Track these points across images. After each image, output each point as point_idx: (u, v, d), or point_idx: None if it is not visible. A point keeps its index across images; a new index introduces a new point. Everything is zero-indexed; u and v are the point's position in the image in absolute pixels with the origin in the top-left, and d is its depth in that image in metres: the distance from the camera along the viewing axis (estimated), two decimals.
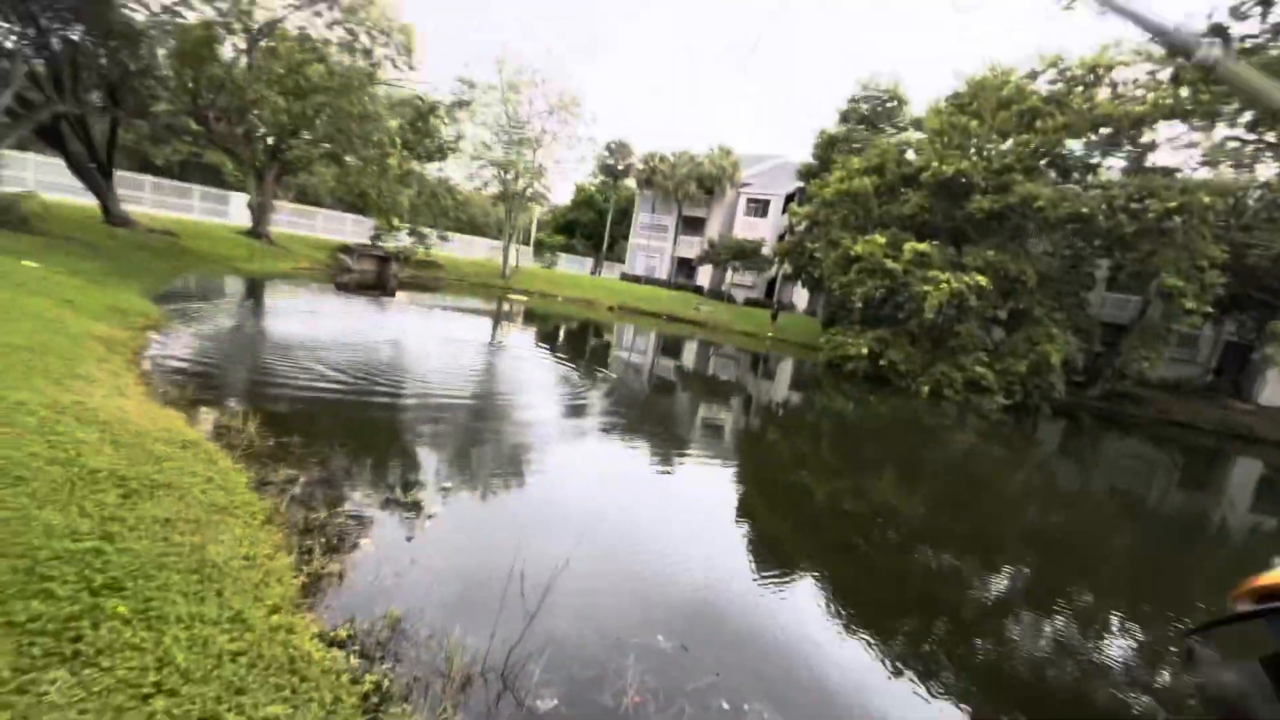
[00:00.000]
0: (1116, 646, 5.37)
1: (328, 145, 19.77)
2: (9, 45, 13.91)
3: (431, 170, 25.33)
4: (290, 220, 30.76)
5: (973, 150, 21.07)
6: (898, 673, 4.19)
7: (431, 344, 13.90)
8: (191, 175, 33.76)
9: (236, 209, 27.36)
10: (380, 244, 25.47)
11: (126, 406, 5.55)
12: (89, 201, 19.13)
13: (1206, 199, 16.92)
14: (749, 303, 38.54)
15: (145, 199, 24.62)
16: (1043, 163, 20.90)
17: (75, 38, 14.66)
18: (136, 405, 5.75)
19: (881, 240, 19.96)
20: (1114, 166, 21.68)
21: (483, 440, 7.64)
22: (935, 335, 20.38)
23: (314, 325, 13.30)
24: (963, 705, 3.96)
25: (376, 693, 2.91)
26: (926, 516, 8.21)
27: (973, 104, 21.37)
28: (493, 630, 3.47)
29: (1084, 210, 17.93)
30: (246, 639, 2.85)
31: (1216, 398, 24.55)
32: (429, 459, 6.65)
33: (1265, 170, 19.46)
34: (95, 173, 18.02)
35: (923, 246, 19.11)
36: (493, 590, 3.90)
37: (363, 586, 3.89)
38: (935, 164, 20.44)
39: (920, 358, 19.67)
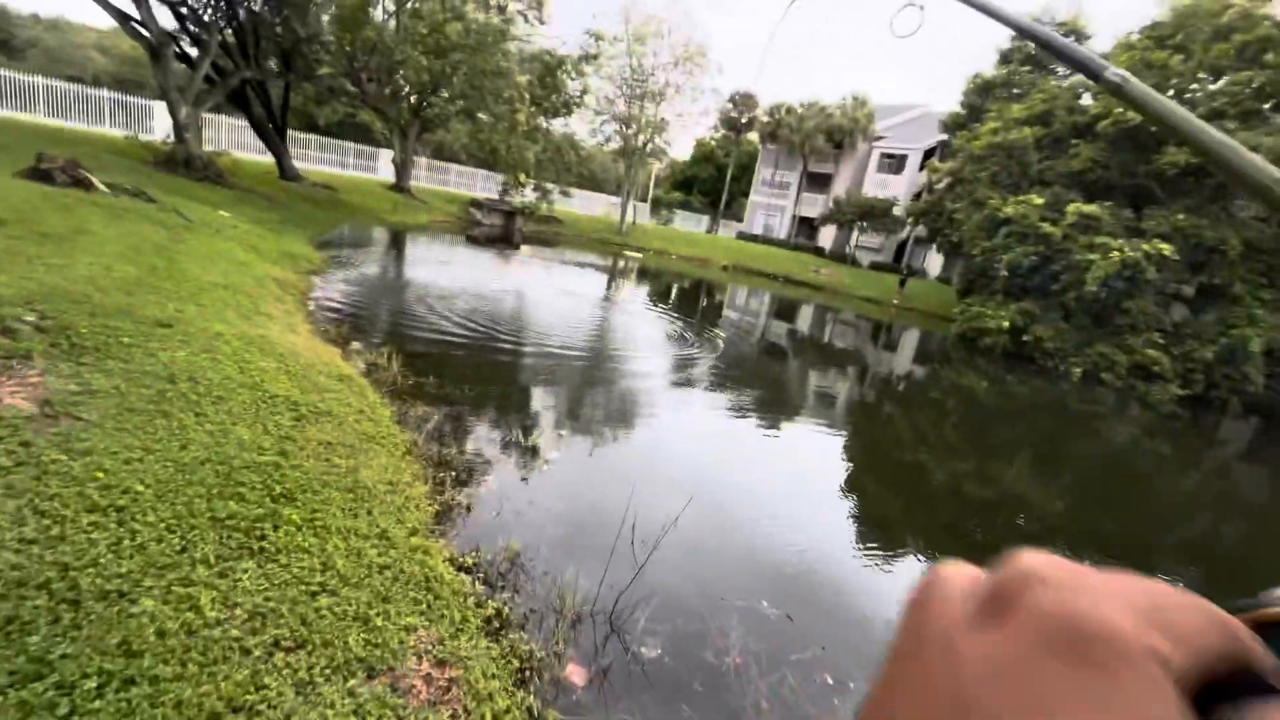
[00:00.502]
0: None
1: (463, 102, 20.75)
2: (206, 18, 15.85)
3: (557, 125, 25.87)
4: (428, 175, 33.03)
5: (1172, 92, 17.73)
6: None
7: (551, 297, 14.48)
8: (346, 134, 37.17)
9: (383, 164, 29.79)
10: (507, 199, 26.67)
11: (297, 342, 6.33)
12: (266, 159, 21.73)
13: None
14: (875, 266, 36.04)
15: (310, 156, 27.49)
16: (1267, 106, 17.15)
17: (256, 8, 16.39)
18: (304, 341, 6.54)
19: (1039, 201, 17.60)
20: None
21: (597, 393, 7.90)
22: (1096, 311, 17.88)
23: (448, 274, 14.32)
24: None
25: (498, 618, 3.17)
26: (1061, 511, 7.39)
27: (1177, 36, 17.86)
28: (602, 575, 3.62)
29: None
30: (391, 555, 3.20)
31: None
32: (547, 407, 7.00)
33: None
34: (273, 132, 20.35)
35: (1091, 208, 16.62)
36: (603, 538, 4.06)
37: (487, 520, 4.21)
38: (1118, 109, 17.46)
39: (1075, 336, 17.41)
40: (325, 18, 18.23)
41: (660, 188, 52.44)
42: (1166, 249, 15.42)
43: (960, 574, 0.28)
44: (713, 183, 51.09)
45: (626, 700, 2.95)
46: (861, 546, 5.30)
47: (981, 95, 28.02)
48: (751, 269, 32.25)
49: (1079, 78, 22.50)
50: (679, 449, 6.52)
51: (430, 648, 2.65)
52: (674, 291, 21.60)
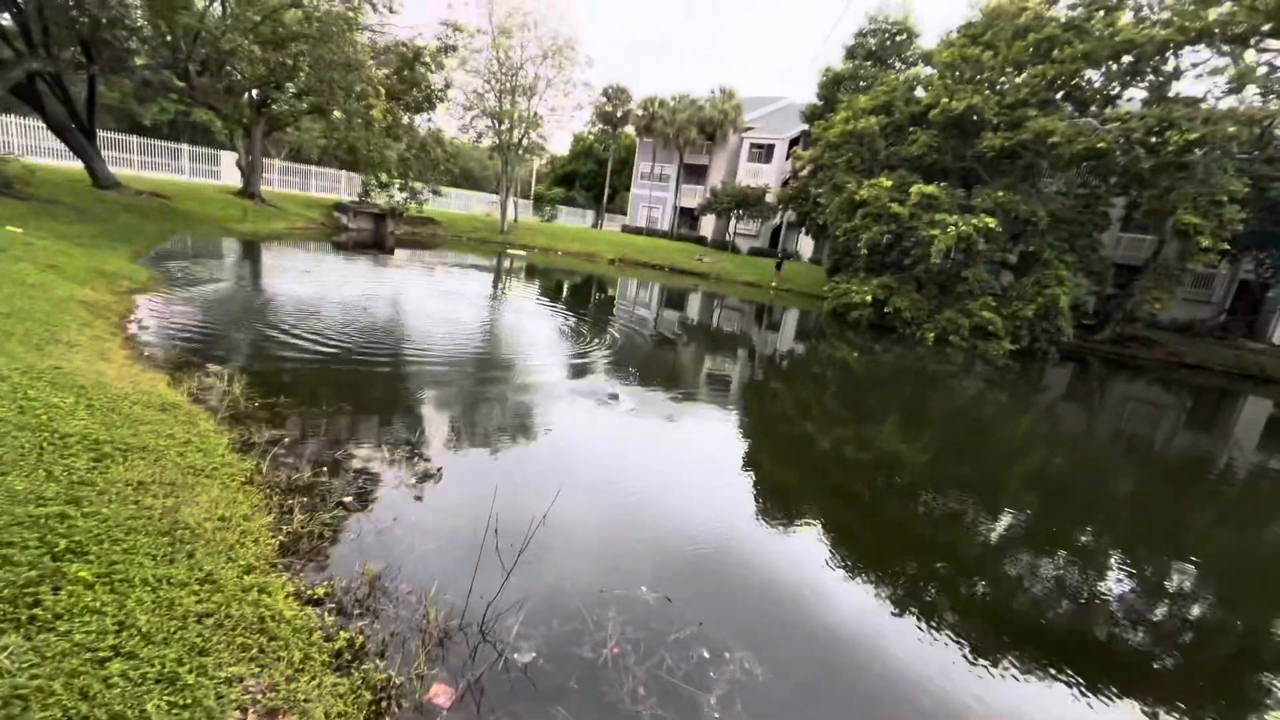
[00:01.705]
0: (1109, 583, 5.35)
1: (311, 98, 19.08)
2: None
3: (421, 121, 24.55)
4: (283, 179, 30.19)
5: (985, 84, 20.09)
6: (889, 617, 4.19)
7: (429, 302, 13.73)
8: (182, 135, 33.02)
9: (228, 169, 26.78)
10: (371, 200, 25.00)
11: (106, 371, 5.48)
12: (75, 165, 18.75)
13: (1231, 128, 16.12)
14: (753, 252, 37.87)
15: (133, 160, 24.11)
16: (1059, 96, 19.91)
17: None
18: (117, 370, 5.68)
19: (887, 183, 19.29)
20: (1134, 98, 20.60)
21: (477, 399, 7.57)
22: (942, 281, 19.97)
23: (308, 285, 13.14)
24: (953, 645, 3.94)
25: (350, 649, 2.90)
26: (927, 462, 8.15)
27: (987, 34, 20.23)
28: (470, 586, 3.44)
29: (1100, 145, 17.12)
30: (215, 600, 2.82)
31: (1229, 338, 24.12)
32: (420, 418, 6.60)
33: None
34: (77, 134, 17.55)
35: (930, 188, 18.46)
36: (475, 546, 3.87)
37: (343, 545, 3.87)
38: (945, 100, 19.53)
39: (926, 304, 19.31)
40: (135, 1, 15.96)
41: (542, 184, 51.69)
42: (992, 222, 17.48)
43: None
44: (594, 177, 51.12)
45: (499, 711, 2.82)
46: (749, 521, 5.47)
47: (833, 87, 30.20)
48: (639, 261, 32.65)
49: (914, 70, 24.86)
50: (566, 447, 6.39)
51: (260, 697, 2.36)
52: (562, 288, 21.35)
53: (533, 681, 3.03)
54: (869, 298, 19.62)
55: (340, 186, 31.83)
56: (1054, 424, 12.32)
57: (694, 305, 22.23)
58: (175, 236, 16.14)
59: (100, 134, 20.16)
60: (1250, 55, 18.01)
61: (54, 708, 1.98)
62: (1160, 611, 5.07)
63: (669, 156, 41.36)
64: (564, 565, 4.08)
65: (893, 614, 4.25)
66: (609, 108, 42.21)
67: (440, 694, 2.83)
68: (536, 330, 12.72)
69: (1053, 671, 3.86)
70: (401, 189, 23.32)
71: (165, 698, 2.17)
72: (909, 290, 19.76)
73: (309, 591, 3.26)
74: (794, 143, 37.59)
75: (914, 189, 18.58)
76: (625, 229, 43.22)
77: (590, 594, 3.77)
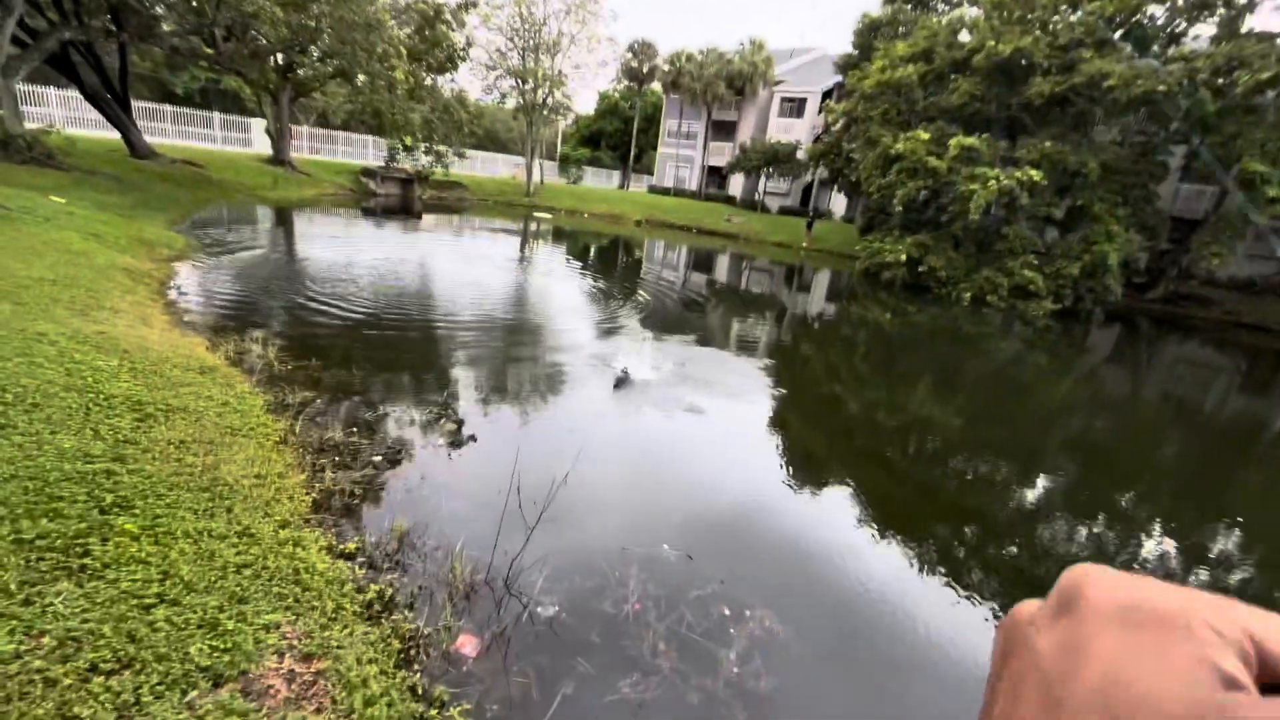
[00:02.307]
0: (1146, 547, 5.21)
1: (335, 61, 18.97)
2: None
3: (444, 83, 24.26)
4: (311, 145, 30.39)
5: (1036, 24, 18.75)
6: (915, 580, 4.16)
7: (457, 266, 13.81)
8: (213, 103, 33.35)
9: (259, 136, 27.05)
10: (397, 164, 25.01)
11: (149, 335, 5.68)
12: (113, 135, 19.15)
13: None
14: (784, 211, 36.87)
15: (168, 129, 24.52)
16: (1117, 35, 18.47)
17: None
18: (159, 334, 5.88)
19: (925, 136, 18.38)
20: (1201, 35, 19.00)
21: (504, 362, 7.64)
22: (980, 239, 19.15)
23: (339, 251, 13.32)
24: (979, 609, 3.91)
25: (380, 601, 3.01)
26: (960, 426, 7.98)
27: None
28: (495, 542, 3.52)
29: (1161, 88, 15.92)
30: (253, 552, 2.95)
31: None
32: (447, 381, 6.70)
33: None
34: (112, 103, 17.89)
35: (971, 140, 17.53)
36: (499, 505, 3.95)
37: (373, 502, 3.99)
38: (991, 43, 18.33)
39: (963, 263, 18.61)
40: None
41: (567, 144, 50.93)
42: (1037, 175, 16.57)
43: (1030, 602, 0.35)
44: (620, 136, 50.10)
45: (523, 662, 2.91)
46: (777, 482, 5.46)
47: (870, 34, 28.64)
48: (666, 222, 32.17)
49: (958, 12, 23.38)
50: (592, 410, 6.43)
51: (295, 643, 2.48)
52: (589, 251, 21.22)
53: (556, 634, 3.12)
54: (903, 257, 18.99)
55: (368, 152, 31.90)
56: (1094, 388, 11.88)
57: (722, 267, 21.88)
58: (210, 205, 16.48)
59: (135, 103, 20.47)
60: None
61: (104, 649, 2.11)
62: (1200, 577, 4.93)
63: (696, 113, 40.14)
64: (586, 524, 4.14)
65: (919, 577, 4.22)
66: (634, 63, 41.01)
67: (467, 644, 2.93)
68: (563, 294, 12.71)
69: None
70: (427, 152, 23.24)
71: (207, 641, 2.29)
72: (945, 249, 19.03)
73: (341, 546, 3.39)
74: (827, 95, 36.00)
75: (953, 141, 17.68)
76: (652, 189, 42.48)
77: (612, 551, 3.83)
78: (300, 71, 22.72)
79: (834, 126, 27.31)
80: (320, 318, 8.10)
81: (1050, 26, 18.77)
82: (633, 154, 46.52)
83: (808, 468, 6.02)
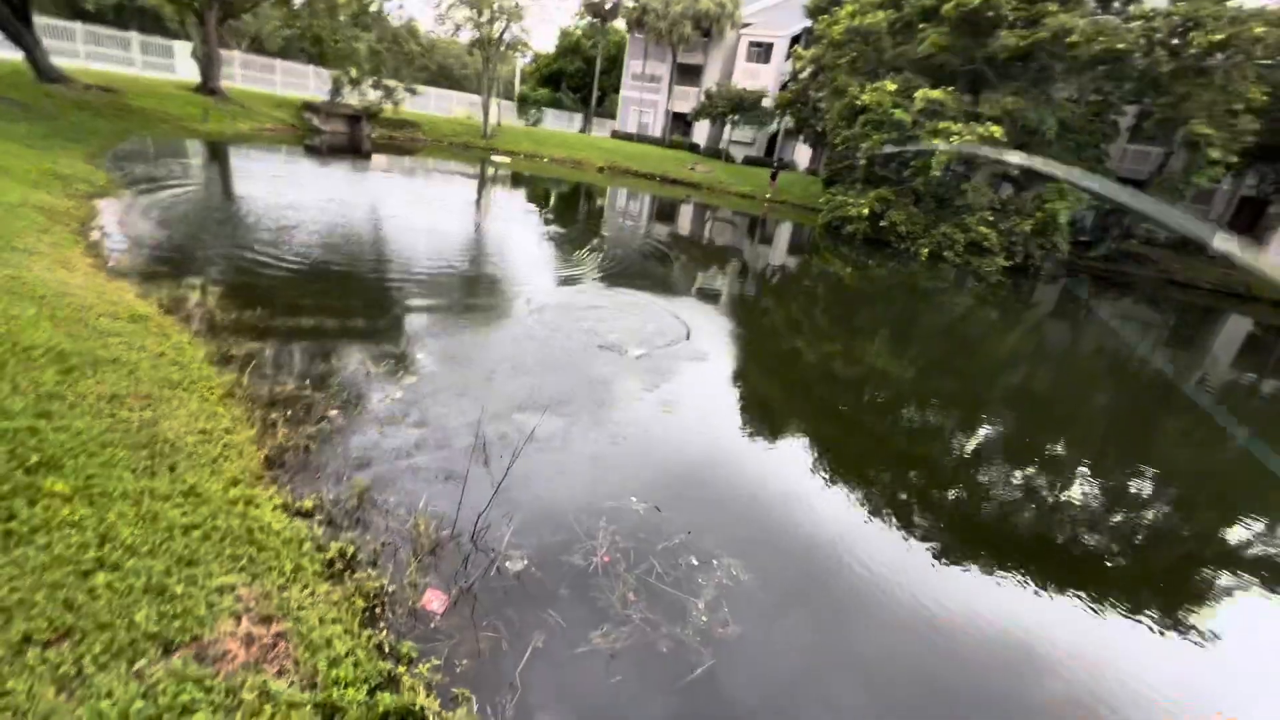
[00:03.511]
0: (1074, 490, 5.56)
1: None
2: None
3: (392, 9, 22.45)
4: (245, 74, 27.91)
5: None
6: (869, 524, 4.31)
7: (411, 211, 13.14)
8: (130, 22, 30.08)
9: (183, 61, 24.64)
10: (342, 99, 23.31)
11: (70, 280, 5.21)
12: (14, 55, 17.11)
13: (1259, 29, 15.14)
14: (748, 161, 36.36)
15: (78, 50, 22.07)
16: None
17: None
18: (82, 279, 5.41)
19: (892, 87, 18.19)
20: None
21: (463, 311, 7.38)
22: (941, 194, 19.33)
23: (281, 192, 12.45)
24: (929, 548, 4.10)
25: (341, 559, 2.92)
26: (913, 377, 8.22)
27: None
28: (460, 498, 3.45)
29: (1120, 46, 16.09)
30: (201, 512, 2.80)
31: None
32: (404, 333, 6.44)
33: None
34: (11, 18, 15.88)
35: (937, 93, 17.45)
36: (463, 460, 3.86)
37: (330, 458, 3.84)
38: None
39: (923, 219, 18.83)
40: None
41: (526, 84, 48.48)
42: (998, 132, 16.70)
43: None
44: (582, 77, 47.92)
45: (492, 616, 2.90)
46: (737, 434, 5.52)
47: None
48: (628, 170, 31.31)
49: None
50: (550, 363, 6.30)
51: (252, 605, 2.38)
52: (549, 198, 20.53)
53: (525, 587, 3.11)
54: (865, 211, 19.08)
55: (309, 84, 29.56)
56: (1038, 341, 12.41)
57: (685, 218, 21.56)
58: (132, 137, 15.09)
59: (37, 19, 18.25)
60: None
61: (38, 619, 1.96)
62: (1119, 515, 5.29)
63: (661, 55, 38.57)
64: (554, 478, 4.10)
65: (871, 520, 4.38)
66: None
67: (434, 600, 2.89)
68: (521, 243, 12.30)
69: (1019, 571, 4.04)
70: (375, 86, 21.66)
71: (154, 607, 2.17)
72: (906, 203, 19.19)
73: (297, 504, 3.25)
74: (795, 40, 35.06)
75: (919, 94, 17.57)
76: (615, 134, 41.08)
77: (580, 505, 3.82)
78: None
79: (802, 74, 26.71)
80: (265, 264, 7.60)
81: None
82: (595, 96, 44.64)
83: (767, 418, 6.11)
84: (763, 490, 4.53)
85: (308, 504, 3.27)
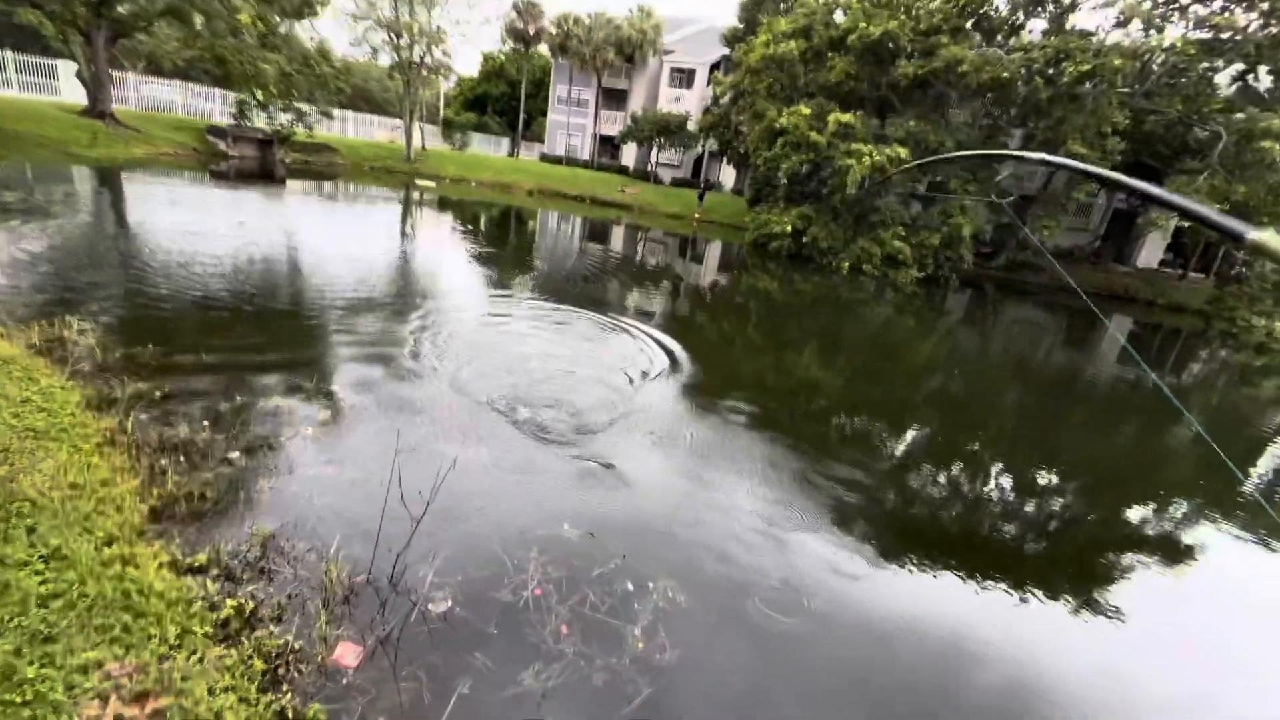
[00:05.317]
0: (990, 484, 5.86)
1: None
2: None
3: (305, 32, 21.67)
4: (142, 96, 26.10)
5: (901, 9, 20.00)
6: (804, 531, 4.35)
7: (325, 240, 12.55)
8: (4, 40, 27.51)
9: (69, 83, 22.77)
10: (249, 122, 22.17)
11: None
12: None
13: (1117, 61, 17.01)
14: (676, 183, 37.20)
15: None
16: (969, 23, 20.20)
17: None
18: None
19: (806, 111, 19.17)
20: (1035, 30, 21.29)
21: (377, 341, 7.04)
22: (857, 212, 20.41)
23: (180, 220, 11.58)
24: (862, 551, 4.17)
25: (238, 617, 2.64)
26: (842, 386, 8.51)
27: None
28: (376, 539, 3.21)
29: (1004, 75, 17.70)
30: (66, 578, 2.46)
31: (1101, 262, 26.55)
32: (315, 366, 6.06)
33: (1171, 32, 19.61)
34: None
35: (846, 117, 18.52)
36: (379, 497, 3.61)
37: (229, 505, 3.50)
38: (863, 24, 19.33)
39: (842, 234, 19.79)
40: None
41: (450, 108, 47.90)
42: (904, 152, 17.86)
43: None
44: (507, 100, 47.90)
45: (414, 664, 2.69)
46: (670, 452, 5.47)
47: (754, 8, 29.22)
48: (558, 192, 31.33)
49: None
50: (472, 390, 6.09)
51: (124, 682, 2.09)
52: (478, 221, 20.17)
53: (452, 629, 2.91)
54: (788, 228, 19.85)
55: (214, 107, 27.95)
56: (951, 346, 13.21)
57: (617, 238, 21.72)
58: (5, 163, 13.71)
59: None
60: None
61: None
62: (1031, 506, 5.62)
63: (587, 80, 39.12)
64: (480, 509, 3.91)
65: (801, 530, 4.42)
66: (519, 24, 39.01)
67: (347, 653, 2.65)
68: (446, 269, 11.98)
69: (943, 562, 4.18)
70: (285, 110, 20.71)
71: None
72: (826, 220, 20.12)
73: (188, 560, 2.93)
74: (715, 68, 36.48)
75: (831, 117, 18.58)
76: (544, 158, 41.12)
77: (510, 536, 3.65)
78: (120, 7, 19.28)
79: (723, 99, 27.71)
80: (158, 296, 7.00)
81: (914, 11, 20.10)
82: (521, 120, 44.64)
83: (699, 431, 6.11)
84: (692, 507, 4.50)
85: (200, 559, 2.95)
